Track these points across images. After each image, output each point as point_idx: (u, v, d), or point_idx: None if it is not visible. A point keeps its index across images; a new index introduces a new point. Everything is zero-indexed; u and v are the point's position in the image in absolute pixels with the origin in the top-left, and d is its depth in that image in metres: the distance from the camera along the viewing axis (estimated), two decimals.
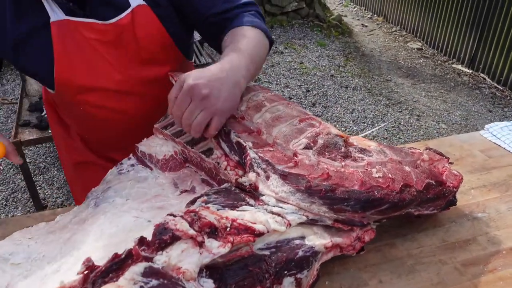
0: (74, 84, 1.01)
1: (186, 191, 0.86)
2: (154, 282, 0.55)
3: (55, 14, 0.93)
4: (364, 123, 3.84)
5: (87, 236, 0.72)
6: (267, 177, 0.75)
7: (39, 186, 2.90)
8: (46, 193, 2.86)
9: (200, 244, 0.61)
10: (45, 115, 2.58)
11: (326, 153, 0.82)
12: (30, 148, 3.22)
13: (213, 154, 0.87)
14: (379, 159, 0.84)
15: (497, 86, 4.55)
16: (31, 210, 2.68)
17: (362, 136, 0.97)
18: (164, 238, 0.59)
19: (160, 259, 0.58)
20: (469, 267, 0.84)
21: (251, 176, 0.76)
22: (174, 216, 0.63)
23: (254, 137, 0.83)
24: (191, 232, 0.61)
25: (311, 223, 0.75)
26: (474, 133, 1.35)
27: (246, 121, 0.88)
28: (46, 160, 3.17)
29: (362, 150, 0.86)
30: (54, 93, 1.07)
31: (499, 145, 1.27)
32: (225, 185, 0.79)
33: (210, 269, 0.63)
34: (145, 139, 0.99)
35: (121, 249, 0.56)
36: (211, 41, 1.07)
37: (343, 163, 0.80)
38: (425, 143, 1.26)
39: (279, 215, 0.71)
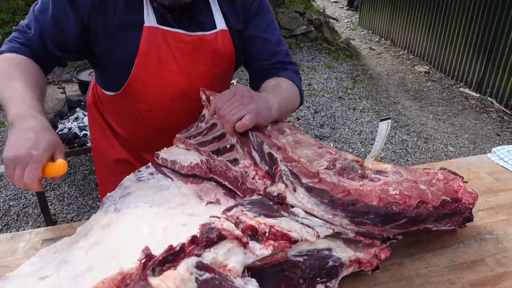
0: (144, 88, 1.12)
1: (211, 202, 0.89)
2: (207, 275, 0.58)
3: (149, 20, 1.06)
4: (371, 144, 3.85)
5: (118, 237, 0.73)
6: (294, 189, 0.81)
7: (50, 201, 2.94)
8: (57, 209, 2.90)
9: (245, 245, 0.65)
10: (60, 132, 2.65)
11: (345, 174, 0.88)
12: None
13: (239, 164, 0.92)
14: (395, 179, 0.88)
15: (505, 110, 4.57)
16: (41, 225, 2.71)
17: (371, 157, 1.00)
18: (211, 236, 0.63)
19: (208, 256, 0.61)
20: None
21: (280, 186, 0.82)
22: (219, 217, 0.67)
23: (282, 152, 0.88)
24: (237, 232, 0.64)
25: (335, 236, 0.79)
26: (482, 156, 1.37)
27: (273, 139, 0.95)
28: None
29: (378, 172, 0.91)
30: (111, 96, 1.19)
31: (507, 168, 1.29)
32: (256, 196, 0.84)
33: (251, 271, 0.67)
34: (165, 148, 1.05)
35: (161, 249, 0.59)
36: (253, 81, 1.27)
37: (361, 183, 0.85)
38: (432, 165, 1.29)
39: (308, 226, 0.76)
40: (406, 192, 0.83)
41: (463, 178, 0.99)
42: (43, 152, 0.82)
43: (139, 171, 0.98)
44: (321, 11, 6.90)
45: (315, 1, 7.40)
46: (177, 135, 1.07)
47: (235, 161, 0.93)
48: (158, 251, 0.58)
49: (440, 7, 5.50)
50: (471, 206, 0.93)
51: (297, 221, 0.76)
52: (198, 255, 0.61)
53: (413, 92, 5.09)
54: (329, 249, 0.77)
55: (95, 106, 1.36)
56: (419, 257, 0.93)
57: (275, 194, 0.82)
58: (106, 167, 1.38)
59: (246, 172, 0.89)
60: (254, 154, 0.89)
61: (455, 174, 1.00)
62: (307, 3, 6.42)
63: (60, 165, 0.84)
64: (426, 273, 0.89)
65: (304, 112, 4.38)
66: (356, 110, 4.46)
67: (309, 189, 0.80)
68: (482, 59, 4.86)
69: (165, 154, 1.00)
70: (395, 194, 0.82)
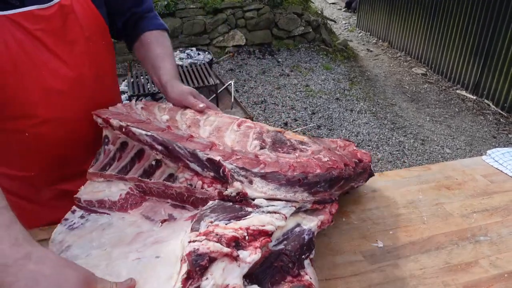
0: (23, 97, 0.90)
1: (165, 220, 0.84)
2: None
3: None
4: (369, 146, 3.86)
5: None
6: (251, 182, 0.80)
7: None
8: None
9: (236, 258, 0.64)
10: None
11: (279, 149, 0.92)
12: None
13: (178, 178, 0.87)
14: (317, 148, 0.95)
15: (501, 112, 4.59)
16: None
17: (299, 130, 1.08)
18: (202, 264, 0.61)
19: (208, 284, 0.60)
20: None
21: (237, 185, 0.79)
22: (200, 241, 0.64)
23: (216, 150, 0.86)
24: (226, 249, 0.63)
25: (297, 211, 0.82)
26: (477, 158, 1.38)
27: (197, 139, 0.91)
28: None
29: (302, 143, 0.97)
30: None
31: (501, 171, 1.29)
32: (211, 202, 0.81)
33: (246, 277, 0.66)
34: (82, 187, 0.92)
35: None
36: (123, 32, 1.21)
37: (296, 154, 0.90)
38: (429, 167, 1.29)
39: (275, 212, 0.77)
40: (333, 158, 0.90)
41: (354, 143, 1.11)
42: None
43: (66, 219, 0.86)
44: (319, 12, 6.92)
45: (313, 3, 7.41)
46: (89, 170, 0.93)
47: (171, 177, 0.88)
48: None
49: (438, 9, 5.53)
50: (370, 164, 1.07)
51: (263, 211, 0.76)
52: None
53: (410, 94, 5.10)
54: (299, 225, 0.80)
55: None
56: (413, 258, 0.94)
57: (234, 194, 0.79)
58: None
59: (191, 185, 0.85)
60: (193, 165, 0.84)
61: (348, 140, 1.12)
62: (305, 4, 6.43)
63: None
64: (420, 275, 0.89)
65: (302, 113, 4.38)
66: (354, 112, 4.47)
67: (263, 177, 0.80)
68: (479, 61, 4.88)
69: (86, 195, 0.89)
70: (327, 160, 0.88)
